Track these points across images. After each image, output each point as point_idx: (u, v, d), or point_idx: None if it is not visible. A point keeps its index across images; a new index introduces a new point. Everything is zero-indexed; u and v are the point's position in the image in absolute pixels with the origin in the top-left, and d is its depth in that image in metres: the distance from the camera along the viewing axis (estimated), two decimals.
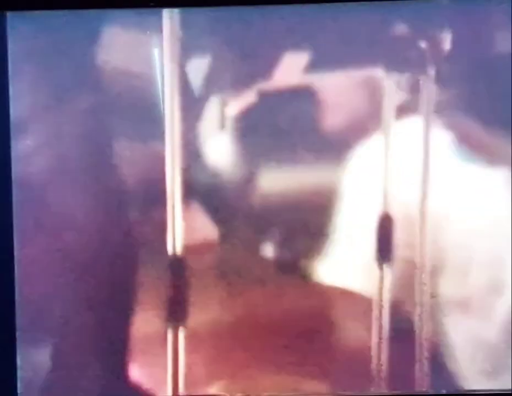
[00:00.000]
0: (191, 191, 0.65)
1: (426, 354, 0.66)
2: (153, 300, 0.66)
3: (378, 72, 0.65)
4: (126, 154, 0.65)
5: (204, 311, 0.66)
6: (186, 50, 0.65)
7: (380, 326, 0.66)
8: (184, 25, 0.64)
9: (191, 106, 0.65)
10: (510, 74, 0.64)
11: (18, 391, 0.66)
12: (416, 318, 0.66)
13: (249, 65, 0.65)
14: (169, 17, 0.64)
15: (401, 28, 0.64)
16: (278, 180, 0.66)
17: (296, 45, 0.64)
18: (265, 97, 0.65)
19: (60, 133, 0.65)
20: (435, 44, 0.64)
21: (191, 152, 0.65)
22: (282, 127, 0.65)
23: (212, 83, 0.65)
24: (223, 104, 0.65)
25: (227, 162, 0.65)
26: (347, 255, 0.66)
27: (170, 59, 0.64)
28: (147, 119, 0.65)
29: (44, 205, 0.65)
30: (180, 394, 0.66)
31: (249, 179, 0.65)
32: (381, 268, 0.66)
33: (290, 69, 0.65)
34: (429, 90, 0.65)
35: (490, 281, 0.66)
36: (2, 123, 0.65)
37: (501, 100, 0.65)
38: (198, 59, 0.65)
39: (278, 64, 0.64)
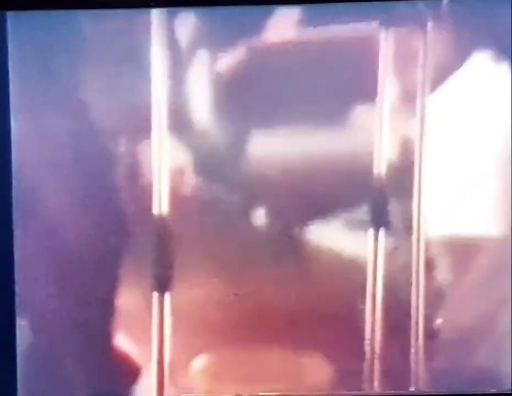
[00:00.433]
0: (178, 152, 0.65)
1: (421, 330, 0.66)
2: (138, 264, 0.66)
3: (375, 29, 0.64)
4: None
5: (191, 278, 0.66)
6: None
7: (374, 295, 0.65)
8: None
9: (178, 65, 0.64)
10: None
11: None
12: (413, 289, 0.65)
13: (240, 20, 0.64)
14: None
15: None
16: (269, 142, 0.65)
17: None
18: (256, 54, 0.64)
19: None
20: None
21: (178, 113, 0.65)
22: (273, 86, 0.64)
23: (201, 38, 0.64)
24: (212, 61, 0.64)
25: (215, 123, 0.65)
26: (342, 220, 0.65)
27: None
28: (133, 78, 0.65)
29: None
30: (166, 363, 0.66)
31: (238, 141, 0.65)
32: (376, 234, 0.65)
33: (283, 24, 0.64)
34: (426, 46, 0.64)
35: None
36: (2, 123, 0.65)
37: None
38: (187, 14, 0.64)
39: (271, 19, 0.64)
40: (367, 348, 0.65)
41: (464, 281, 0.66)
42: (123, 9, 0.64)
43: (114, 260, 0.66)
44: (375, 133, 0.65)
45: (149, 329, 0.66)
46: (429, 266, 0.65)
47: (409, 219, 0.65)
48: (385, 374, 0.66)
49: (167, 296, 0.66)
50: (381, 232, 0.65)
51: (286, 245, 0.65)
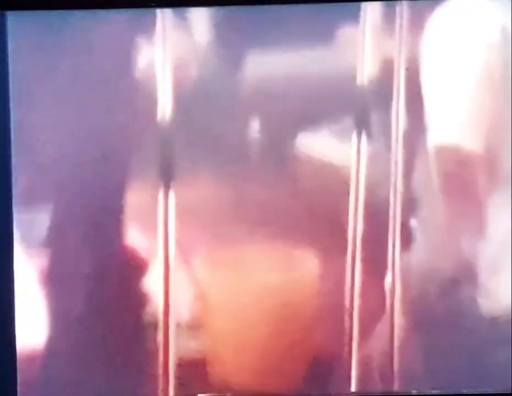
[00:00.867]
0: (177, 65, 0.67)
1: None
2: (144, 166, 0.68)
3: None
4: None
5: (194, 179, 0.68)
6: None
7: (357, 195, 0.69)
8: None
9: None
10: None
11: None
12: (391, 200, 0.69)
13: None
14: None
15: None
16: (263, 62, 0.67)
17: None
18: None
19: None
20: None
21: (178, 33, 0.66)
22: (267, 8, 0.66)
23: None
24: None
25: (211, 42, 0.67)
26: (328, 130, 0.69)
27: None
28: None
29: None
30: (171, 256, 0.69)
31: (234, 59, 0.67)
32: (359, 140, 0.68)
33: None
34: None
35: None
36: (2, 123, 0.65)
37: None
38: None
39: None
40: (350, 241, 0.69)
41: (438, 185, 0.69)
42: (123, 9, 0.64)
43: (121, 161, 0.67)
44: (358, 50, 0.67)
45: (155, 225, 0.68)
46: (406, 170, 0.69)
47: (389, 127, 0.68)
48: (366, 261, 0.69)
49: (172, 195, 0.68)
50: (363, 139, 0.68)
51: (278, 151, 0.68)
